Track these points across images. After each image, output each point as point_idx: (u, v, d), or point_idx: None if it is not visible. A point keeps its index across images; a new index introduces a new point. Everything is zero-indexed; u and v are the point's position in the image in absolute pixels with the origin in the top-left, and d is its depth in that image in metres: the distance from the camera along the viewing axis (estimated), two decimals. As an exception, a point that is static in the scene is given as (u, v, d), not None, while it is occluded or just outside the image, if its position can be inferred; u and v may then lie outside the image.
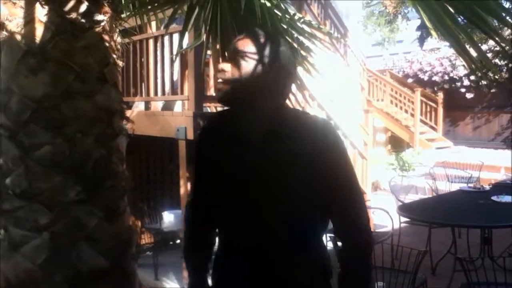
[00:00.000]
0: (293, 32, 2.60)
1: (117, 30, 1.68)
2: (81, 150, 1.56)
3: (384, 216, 4.16)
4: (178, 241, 5.77)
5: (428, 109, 11.44)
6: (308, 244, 1.34)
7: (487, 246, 3.79)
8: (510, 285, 2.78)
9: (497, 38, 1.74)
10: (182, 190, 4.66)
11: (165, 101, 5.14)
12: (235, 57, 1.25)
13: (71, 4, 1.47)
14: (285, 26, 2.55)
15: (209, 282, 1.47)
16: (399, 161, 9.30)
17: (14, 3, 1.47)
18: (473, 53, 1.76)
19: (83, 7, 1.50)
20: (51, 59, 1.47)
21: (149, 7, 2.62)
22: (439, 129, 11.32)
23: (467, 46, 1.79)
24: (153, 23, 4.53)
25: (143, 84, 5.16)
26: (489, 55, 9.95)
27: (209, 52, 2.83)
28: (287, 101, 1.44)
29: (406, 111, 10.97)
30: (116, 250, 1.69)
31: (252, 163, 1.27)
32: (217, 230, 1.45)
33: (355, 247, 1.32)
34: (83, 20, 1.50)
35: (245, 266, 1.33)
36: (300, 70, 2.38)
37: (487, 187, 4.57)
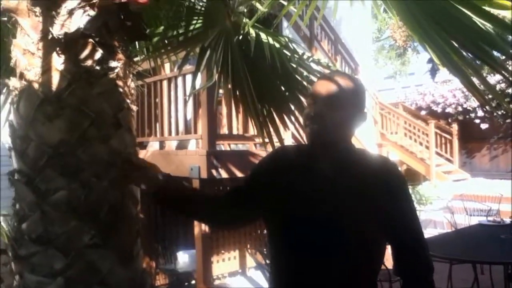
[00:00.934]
0: (303, 70, 2.64)
1: (131, 75, 1.72)
2: (96, 195, 1.57)
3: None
4: (193, 281, 5.69)
5: (443, 141, 11.35)
6: (363, 279, 1.41)
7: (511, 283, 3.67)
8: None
9: (503, 72, 1.76)
10: (196, 230, 4.64)
11: (179, 140, 5.20)
12: (317, 97, 1.39)
13: (86, 52, 1.52)
14: (294, 66, 2.60)
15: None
16: (415, 195, 9.16)
17: (33, 54, 1.53)
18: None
19: (98, 55, 1.54)
20: (67, 106, 1.51)
21: (163, 50, 2.71)
22: (455, 161, 11.18)
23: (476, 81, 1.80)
24: (166, 65, 4.65)
25: (157, 124, 5.24)
26: (503, 84, 9.93)
27: (221, 91, 2.90)
28: None
29: (420, 144, 10.90)
30: (131, 294, 1.68)
31: (319, 193, 1.37)
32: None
33: (420, 282, 1.40)
34: (98, 68, 1.54)
35: None
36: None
37: (508, 221, 4.47)
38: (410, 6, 1.82)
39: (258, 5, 2.36)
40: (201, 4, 2.50)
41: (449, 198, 7.37)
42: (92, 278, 1.59)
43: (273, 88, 2.65)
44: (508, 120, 10.32)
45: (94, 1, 1.53)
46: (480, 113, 11.00)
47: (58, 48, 1.49)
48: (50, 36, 1.48)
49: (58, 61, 1.50)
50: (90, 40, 1.51)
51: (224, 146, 5.34)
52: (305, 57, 2.61)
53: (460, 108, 11.53)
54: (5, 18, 2.07)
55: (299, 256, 1.40)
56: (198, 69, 2.68)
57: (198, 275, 4.73)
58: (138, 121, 5.16)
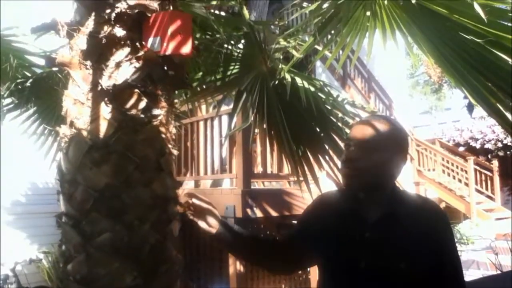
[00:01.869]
0: (338, 112, 2.69)
1: (172, 121, 1.80)
2: (138, 236, 1.62)
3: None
4: (228, 321, 5.62)
5: (483, 177, 11.00)
6: None
7: None
8: None
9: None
10: (231, 269, 4.63)
11: (214, 179, 5.27)
12: (363, 143, 1.41)
13: (132, 101, 1.61)
14: (329, 107, 2.65)
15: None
16: (456, 234, 8.84)
17: (83, 103, 1.63)
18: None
19: (142, 104, 1.63)
20: (113, 152, 1.59)
21: (201, 95, 2.81)
22: (497, 198, 10.78)
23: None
24: (203, 106, 4.78)
25: (193, 163, 5.34)
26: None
27: (256, 130, 2.96)
28: None
29: (459, 181, 10.60)
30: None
31: (367, 239, 1.38)
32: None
33: None
34: (142, 116, 1.62)
35: None
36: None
37: (557, 263, 4.25)
38: (443, 51, 1.85)
39: (293, 51, 2.44)
40: (238, 51, 2.61)
41: (492, 238, 7.08)
42: (134, 319, 1.62)
43: (308, 129, 2.70)
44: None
45: (140, 54, 1.64)
46: (522, 148, 10.67)
47: (106, 98, 1.58)
48: (99, 87, 1.58)
49: (106, 110, 1.60)
50: (136, 90, 1.60)
51: (258, 184, 5.37)
52: (339, 99, 2.65)
53: (500, 144, 11.22)
54: (56, 69, 2.22)
55: None
56: (235, 111, 2.76)
57: (233, 315, 4.69)
58: (175, 160, 5.27)
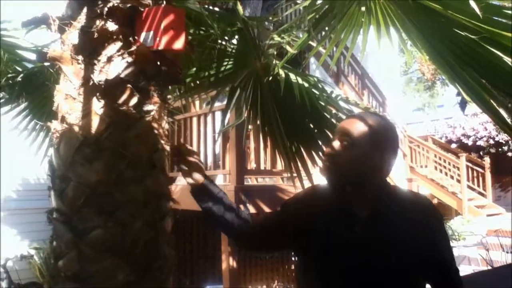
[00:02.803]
0: (332, 108, 2.68)
1: (165, 117, 1.79)
2: (131, 233, 1.61)
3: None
4: (221, 318, 5.63)
5: (475, 174, 11.09)
6: None
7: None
8: None
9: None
10: (224, 265, 4.63)
11: (207, 176, 5.26)
12: (345, 138, 1.38)
13: (124, 97, 1.59)
14: (323, 104, 2.64)
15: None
16: (448, 230, 8.91)
17: (74, 99, 1.61)
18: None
19: (135, 99, 1.61)
20: (105, 148, 1.57)
21: (194, 90, 2.80)
22: (488, 195, 10.87)
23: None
24: (196, 102, 4.76)
25: (186, 160, 5.32)
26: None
27: (250, 126, 2.95)
28: None
29: (451, 177, 10.67)
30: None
31: (357, 238, 1.35)
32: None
33: None
34: (134, 111, 1.61)
35: None
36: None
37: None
38: (437, 47, 1.85)
39: (287, 47, 2.43)
40: (232, 47, 2.59)
41: (483, 234, 7.13)
42: (126, 316, 1.61)
43: (301, 125, 2.69)
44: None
45: (132, 49, 1.62)
46: (513, 146, 10.75)
47: (98, 94, 1.56)
48: (91, 82, 1.56)
49: (97, 106, 1.58)
50: (128, 85, 1.59)
51: (251, 180, 5.37)
52: (333, 95, 2.64)
53: (492, 141, 11.30)
54: (48, 64, 2.19)
55: None
56: (228, 108, 2.75)
57: (226, 311, 4.69)
58: (168, 156, 5.25)
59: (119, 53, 1.62)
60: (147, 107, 1.64)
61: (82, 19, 1.66)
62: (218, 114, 4.82)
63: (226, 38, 2.56)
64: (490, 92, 1.74)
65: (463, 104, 9.54)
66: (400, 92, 14.08)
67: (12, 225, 6.07)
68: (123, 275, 1.63)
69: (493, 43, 1.71)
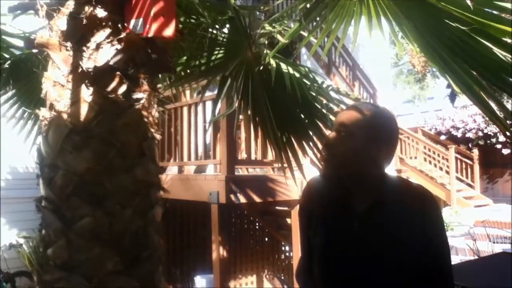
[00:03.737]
0: (322, 99, 2.68)
1: (155, 105, 1.77)
2: (120, 222, 1.61)
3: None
4: (211, 307, 5.65)
5: (464, 166, 11.19)
6: None
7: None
8: None
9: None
10: (214, 255, 4.64)
11: (197, 165, 5.25)
12: (342, 130, 1.36)
13: (113, 85, 1.58)
14: (314, 94, 2.64)
15: None
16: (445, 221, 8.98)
17: (63, 86, 1.59)
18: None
19: (124, 87, 1.60)
20: (94, 136, 1.56)
21: (184, 79, 2.78)
22: (476, 186, 10.98)
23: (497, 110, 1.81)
24: (187, 91, 4.73)
25: (177, 149, 5.30)
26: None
27: (240, 116, 2.94)
28: None
29: (440, 169, 10.75)
30: (151, 322, 1.69)
31: (357, 229, 1.35)
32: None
33: None
34: (124, 99, 1.60)
35: None
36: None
37: (533, 249, 4.36)
38: (428, 38, 1.85)
39: (279, 36, 2.42)
40: (223, 36, 2.57)
41: (471, 225, 7.22)
42: (115, 305, 1.61)
43: (292, 115, 2.68)
44: (531, 146, 10.15)
45: (122, 35, 1.60)
46: (502, 138, 10.84)
47: (87, 81, 1.55)
48: (80, 69, 1.54)
49: (86, 93, 1.56)
50: (118, 73, 1.57)
51: (242, 170, 5.37)
52: (324, 85, 2.64)
53: (480, 133, 11.39)
54: (35, 50, 2.16)
55: None
56: (219, 97, 2.73)
57: (215, 300, 4.71)
58: (158, 146, 5.23)
59: (108, 40, 1.60)
60: (137, 95, 1.63)
61: (70, 5, 1.63)
62: (209, 104, 4.79)
63: (217, 26, 2.54)
64: (480, 84, 1.75)
65: (452, 97, 9.61)
66: (390, 84, 14.13)
67: (0, 214, 6.03)
68: (111, 264, 1.63)
69: (484, 34, 1.71)
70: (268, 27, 2.53)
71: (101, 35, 1.61)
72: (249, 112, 2.72)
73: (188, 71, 2.68)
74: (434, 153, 11.02)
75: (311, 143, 2.74)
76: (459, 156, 11.08)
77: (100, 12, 1.60)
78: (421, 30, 1.88)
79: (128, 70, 1.61)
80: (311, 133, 2.72)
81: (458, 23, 1.75)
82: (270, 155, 4.86)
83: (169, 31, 1.56)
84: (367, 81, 9.37)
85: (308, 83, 2.56)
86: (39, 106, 1.70)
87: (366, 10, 2.08)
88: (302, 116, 2.69)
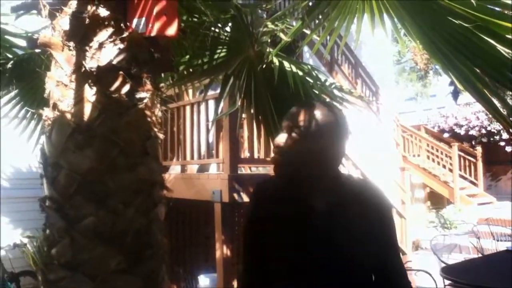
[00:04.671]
0: (325, 97, 2.68)
1: (158, 104, 1.78)
2: (123, 221, 1.61)
3: (426, 278, 3.99)
4: (215, 305, 5.66)
5: (467, 163, 11.16)
6: None
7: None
8: None
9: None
10: (218, 253, 4.64)
11: (200, 164, 5.25)
12: (293, 128, 1.31)
13: (116, 84, 1.58)
14: (317, 92, 2.64)
15: None
16: (439, 219, 8.99)
17: (66, 85, 1.60)
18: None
19: (127, 87, 1.60)
20: (97, 135, 1.56)
21: (187, 78, 2.78)
22: (479, 184, 10.95)
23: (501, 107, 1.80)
24: (189, 90, 4.74)
25: (179, 148, 5.31)
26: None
27: (243, 115, 2.94)
28: None
29: (444, 166, 10.73)
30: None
31: (313, 229, 1.31)
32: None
33: None
34: (127, 99, 1.60)
35: None
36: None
37: (537, 247, 4.35)
38: (431, 35, 1.84)
39: (281, 34, 2.42)
40: (225, 34, 2.57)
41: (474, 222, 7.20)
42: (118, 304, 1.62)
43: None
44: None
45: (124, 35, 1.60)
46: (505, 135, 10.81)
47: (90, 80, 1.55)
48: (83, 69, 1.54)
49: (89, 93, 1.56)
50: (121, 72, 1.57)
51: (244, 169, 5.37)
52: (327, 83, 2.64)
53: (484, 131, 11.36)
54: (38, 50, 2.16)
55: None
56: (222, 96, 2.73)
57: (219, 299, 4.71)
58: (161, 145, 5.23)
59: (111, 39, 1.60)
60: (140, 94, 1.63)
61: (73, 4, 1.64)
62: (212, 103, 4.79)
63: (219, 25, 2.54)
64: (483, 81, 1.74)
65: (455, 94, 9.55)
66: (393, 82, 14.10)
67: (4, 214, 6.04)
68: (115, 263, 1.63)
69: (487, 31, 1.70)
70: (270, 25, 2.52)
71: (103, 35, 1.61)
72: (251, 111, 2.72)
73: (191, 70, 2.69)
74: (437, 150, 10.99)
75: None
76: (462, 154, 11.05)
77: (103, 12, 1.60)
78: (423, 27, 1.88)
79: (131, 69, 1.61)
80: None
81: (461, 20, 1.74)
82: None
83: (171, 30, 1.56)
84: (370, 79, 9.34)
85: (311, 81, 2.56)
86: (42, 105, 1.70)
87: (369, 8, 2.08)
88: (305, 114, 2.68)
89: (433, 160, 10.96)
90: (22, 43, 2.70)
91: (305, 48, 8.40)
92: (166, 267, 1.91)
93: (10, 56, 2.85)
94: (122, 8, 1.64)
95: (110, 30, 1.61)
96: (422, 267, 4.31)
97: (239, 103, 2.71)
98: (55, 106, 1.61)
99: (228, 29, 2.62)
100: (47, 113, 1.64)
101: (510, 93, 1.98)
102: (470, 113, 11.81)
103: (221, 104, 2.82)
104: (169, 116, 5.25)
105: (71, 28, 1.61)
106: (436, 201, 10.87)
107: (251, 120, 2.84)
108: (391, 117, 9.24)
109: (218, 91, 2.78)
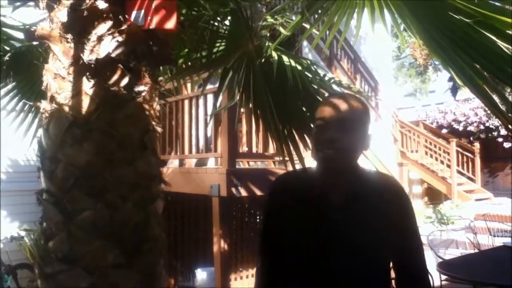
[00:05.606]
0: (324, 92, 2.67)
1: (156, 98, 1.77)
2: (121, 215, 1.60)
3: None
4: (212, 299, 5.67)
5: (465, 159, 11.17)
6: None
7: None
8: None
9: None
10: (215, 248, 4.65)
11: (198, 158, 5.25)
12: (330, 121, 1.32)
13: (115, 77, 1.57)
14: (315, 87, 2.63)
15: None
16: (437, 214, 9.00)
17: (63, 78, 1.58)
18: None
19: (125, 80, 1.59)
20: (95, 129, 1.55)
21: (186, 72, 2.77)
22: (477, 180, 10.97)
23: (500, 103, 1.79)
24: (188, 84, 4.72)
25: (178, 142, 5.30)
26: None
27: (242, 109, 2.93)
28: None
29: (442, 162, 10.74)
30: (152, 314, 1.69)
31: (335, 221, 1.33)
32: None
33: None
34: (125, 92, 1.59)
35: None
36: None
37: (534, 243, 4.36)
38: (431, 30, 1.83)
39: (281, 29, 2.40)
40: (224, 28, 2.56)
41: (471, 218, 7.22)
42: (116, 298, 1.61)
43: (294, 108, 2.67)
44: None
45: (123, 27, 1.59)
46: (503, 131, 10.82)
47: (88, 73, 1.54)
48: (81, 62, 1.53)
49: (87, 86, 1.55)
50: (119, 65, 1.56)
51: (243, 163, 5.36)
52: (326, 78, 2.63)
53: (482, 127, 11.37)
54: (36, 42, 2.15)
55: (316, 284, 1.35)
56: (220, 90, 2.72)
57: (216, 293, 4.72)
58: (159, 139, 5.22)
59: (110, 32, 1.59)
60: (138, 88, 1.62)
61: (71, -4, 1.62)
62: (210, 97, 4.78)
63: (218, 19, 2.52)
64: (483, 77, 1.73)
65: (454, 90, 9.57)
66: (392, 77, 14.10)
67: (2, 207, 6.03)
68: (112, 257, 1.63)
69: (487, 27, 1.69)
70: (270, 19, 2.51)
71: (102, 27, 1.59)
72: (250, 105, 2.71)
73: (190, 63, 2.67)
74: (435, 146, 11.00)
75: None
76: (460, 150, 11.06)
77: (101, 4, 1.59)
78: (423, 21, 1.87)
79: (130, 63, 1.60)
80: (312, 126, 2.71)
81: (461, 15, 1.73)
82: (271, 148, 4.85)
83: (170, 24, 1.55)
84: (369, 74, 9.33)
85: (310, 75, 2.55)
86: (39, 98, 1.69)
87: (369, 3, 2.06)
88: (304, 109, 2.68)
89: (431, 156, 10.97)
90: (20, 35, 2.68)
91: (304, 43, 8.38)
92: (164, 260, 1.91)
93: (7, 48, 2.83)
94: (121, 0, 1.63)
95: (108, 22, 1.59)
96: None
97: (238, 97, 2.70)
98: (52, 99, 1.60)
99: (227, 22, 2.61)
100: (45, 106, 1.63)
101: (510, 89, 1.97)
102: (468, 109, 11.83)
103: (220, 98, 2.81)
104: (167, 110, 5.24)
105: (69, 20, 1.60)
106: (434, 196, 10.90)
107: (249, 115, 2.84)
108: (390, 112, 9.24)
109: (217, 85, 2.77)
